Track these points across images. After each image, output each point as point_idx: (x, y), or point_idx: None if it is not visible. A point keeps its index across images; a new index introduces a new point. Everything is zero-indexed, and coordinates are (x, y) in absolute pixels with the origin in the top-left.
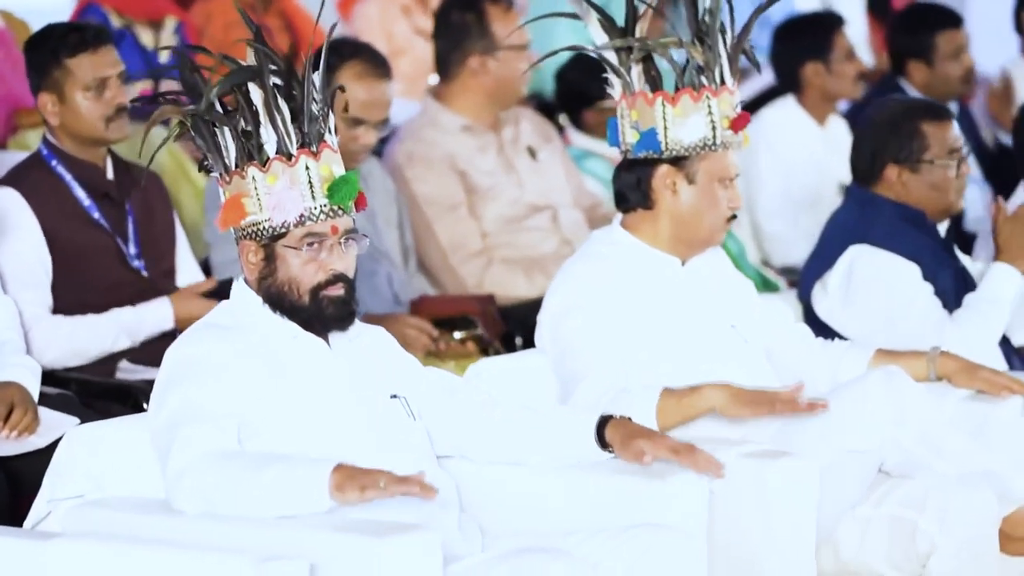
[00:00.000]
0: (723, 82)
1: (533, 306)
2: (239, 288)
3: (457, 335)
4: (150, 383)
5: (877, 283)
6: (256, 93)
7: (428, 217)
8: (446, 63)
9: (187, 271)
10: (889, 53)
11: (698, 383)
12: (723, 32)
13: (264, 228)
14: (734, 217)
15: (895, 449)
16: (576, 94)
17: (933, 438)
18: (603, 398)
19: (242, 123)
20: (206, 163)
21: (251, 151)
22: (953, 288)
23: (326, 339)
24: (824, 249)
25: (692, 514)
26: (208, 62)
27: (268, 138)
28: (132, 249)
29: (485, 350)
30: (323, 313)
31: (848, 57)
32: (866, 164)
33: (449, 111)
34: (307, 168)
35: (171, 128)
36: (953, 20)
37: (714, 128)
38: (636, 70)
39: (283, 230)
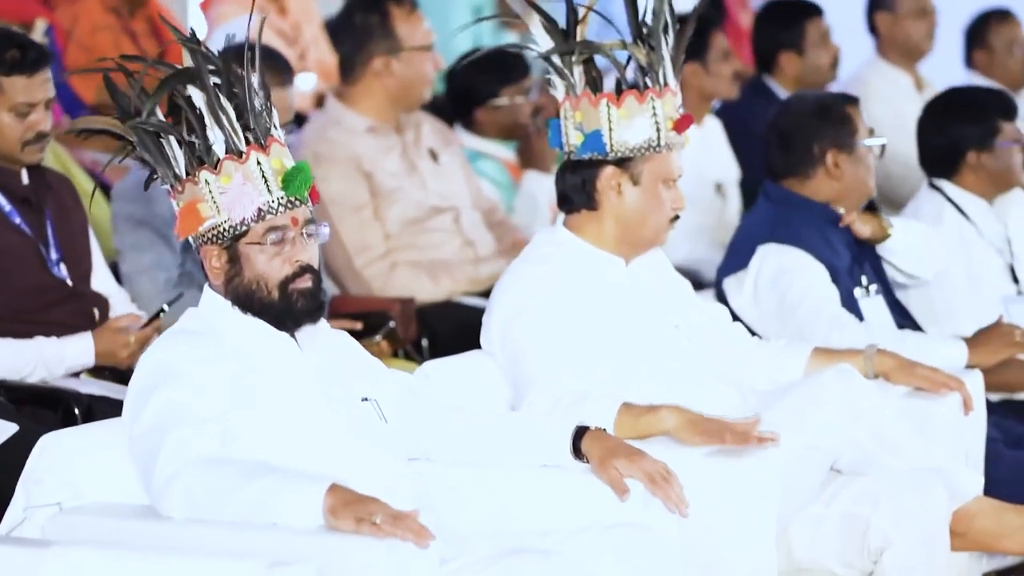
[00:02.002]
0: (666, 83)
1: (438, 308)
2: (207, 294)
3: (376, 337)
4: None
5: (781, 279)
6: (197, 95)
7: (333, 218)
8: (350, 64)
9: (100, 275)
10: (755, 51)
11: (656, 403)
12: (666, 33)
13: (224, 230)
14: (677, 218)
15: (849, 447)
16: (467, 93)
17: (886, 435)
18: (559, 403)
19: (184, 129)
20: (155, 177)
21: (200, 155)
22: (848, 267)
23: (295, 339)
24: (738, 247)
25: (666, 514)
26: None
27: (216, 139)
28: (53, 254)
29: (395, 352)
30: (293, 307)
31: (725, 57)
32: (803, 156)
33: (353, 112)
34: (258, 163)
35: (118, 149)
36: (816, 9)
37: (658, 129)
38: (578, 71)
39: (243, 228)
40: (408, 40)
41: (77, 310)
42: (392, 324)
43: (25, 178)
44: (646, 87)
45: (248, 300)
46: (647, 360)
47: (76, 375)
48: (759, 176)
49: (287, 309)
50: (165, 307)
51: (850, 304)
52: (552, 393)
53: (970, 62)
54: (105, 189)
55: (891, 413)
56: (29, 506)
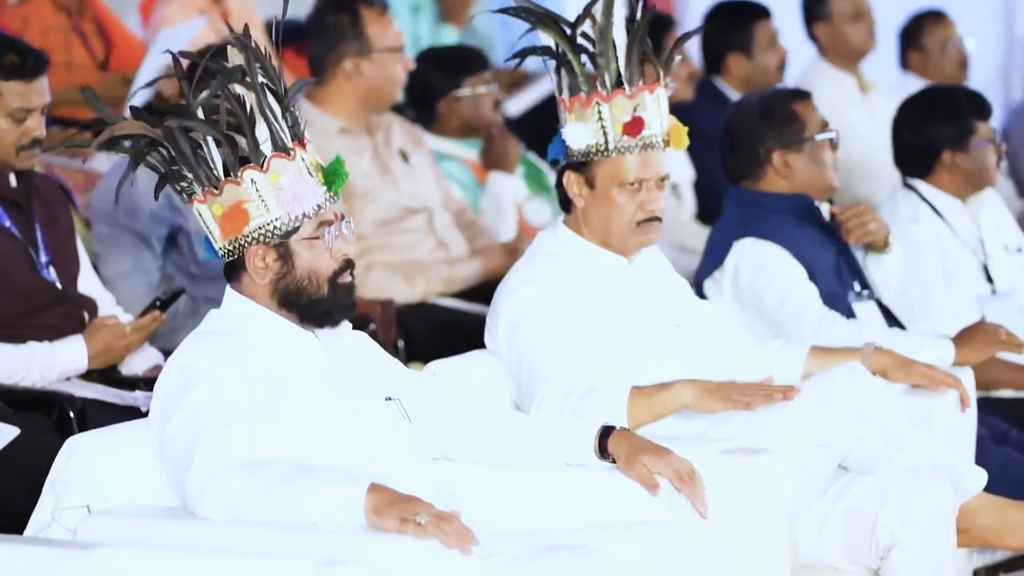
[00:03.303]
0: (618, 86)
1: (413, 310)
2: (229, 294)
3: None
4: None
5: (760, 275)
6: (246, 93)
7: None
8: (321, 65)
9: (86, 278)
10: (704, 52)
11: (666, 380)
12: (629, 34)
13: (275, 228)
14: (653, 220)
15: (857, 444)
16: (428, 88)
17: (893, 432)
18: (568, 398)
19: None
20: (183, 184)
21: (245, 155)
22: (834, 267)
23: (318, 338)
24: (712, 250)
25: (689, 511)
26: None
27: (263, 137)
28: (43, 257)
29: None
30: (339, 302)
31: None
32: (749, 160)
33: (325, 113)
34: (303, 159)
35: (136, 152)
36: (764, 11)
37: (606, 133)
38: (555, 76)
39: (296, 225)
40: (379, 41)
41: (67, 313)
42: (373, 327)
43: (13, 181)
44: (592, 91)
45: (297, 296)
46: (651, 358)
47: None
48: (712, 177)
49: (333, 304)
50: (161, 297)
51: (842, 306)
52: (563, 388)
53: (905, 63)
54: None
55: (898, 410)
56: (57, 508)
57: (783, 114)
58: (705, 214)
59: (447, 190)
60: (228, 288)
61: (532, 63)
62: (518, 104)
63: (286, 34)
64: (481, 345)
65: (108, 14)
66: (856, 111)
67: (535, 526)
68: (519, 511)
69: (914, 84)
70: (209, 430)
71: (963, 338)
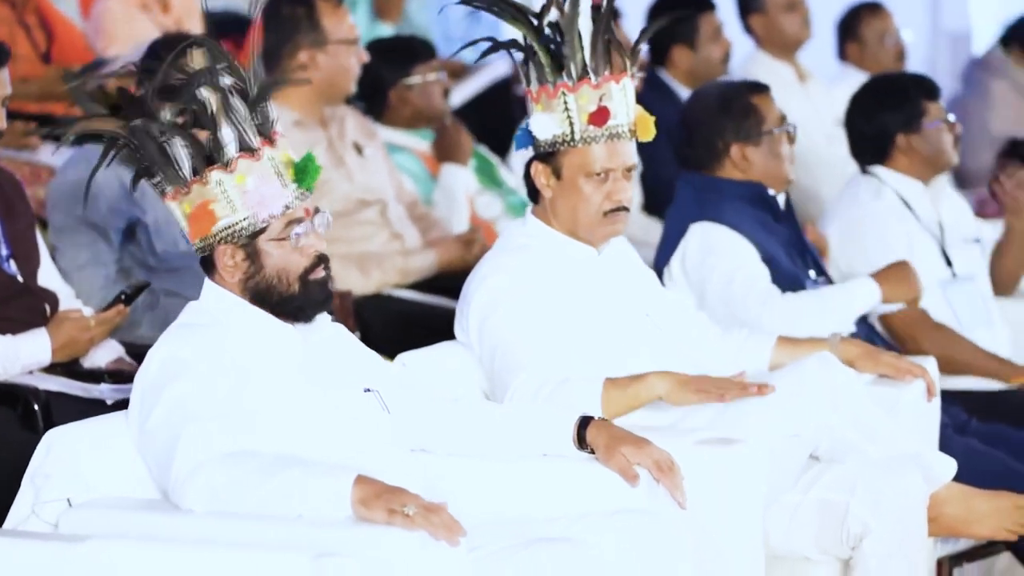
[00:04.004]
0: (584, 76)
1: (368, 301)
2: (208, 287)
3: None
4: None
5: (709, 256)
6: (211, 95)
7: None
8: (276, 57)
9: (46, 271)
10: (649, 45)
11: (638, 371)
12: (595, 24)
13: (242, 228)
14: (620, 210)
15: (828, 434)
16: (378, 79)
17: (865, 422)
18: (542, 389)
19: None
20: (156, 181)
21: (210, 155)
22: (786, 253)
23: (298, 330)
24: (667, 238)
25: (668, 502)
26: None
27: (228, 138)
28: (3, 250)
29: None
30: (312, 298)
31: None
32: (707, 152)
33: (280, 105)
34: (271, 158)
35: (105, 149)
36: (708, 3)
37: (572, 123)
38: (523, 69)
39: (264, 225)
40: (334, 33)
41: (29, 306)
42: (331, 318)
43: None
44: (558, 81)
45: (268, 294)
46: (622, 348)
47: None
48: (658, 169)
49: (306, 301)
50: (126, 291)
51: (801, 288)
52: (536, 380)
53: (843, 55)
54: None
55: (868, 400)
56: (38, 501)
57: (741, 107)
58: (651, 205)
59: (400, 182)
60: (207, 280)
61: (471, 54)
62: (460, 94)
63: (225, 25)
64: (438, 336)
65: (50, 6)
66: (795, 100)
67: (514, 516)
68: (498, 501)
69: (852, 75)
70: (191, 423)
71: (883, 275)
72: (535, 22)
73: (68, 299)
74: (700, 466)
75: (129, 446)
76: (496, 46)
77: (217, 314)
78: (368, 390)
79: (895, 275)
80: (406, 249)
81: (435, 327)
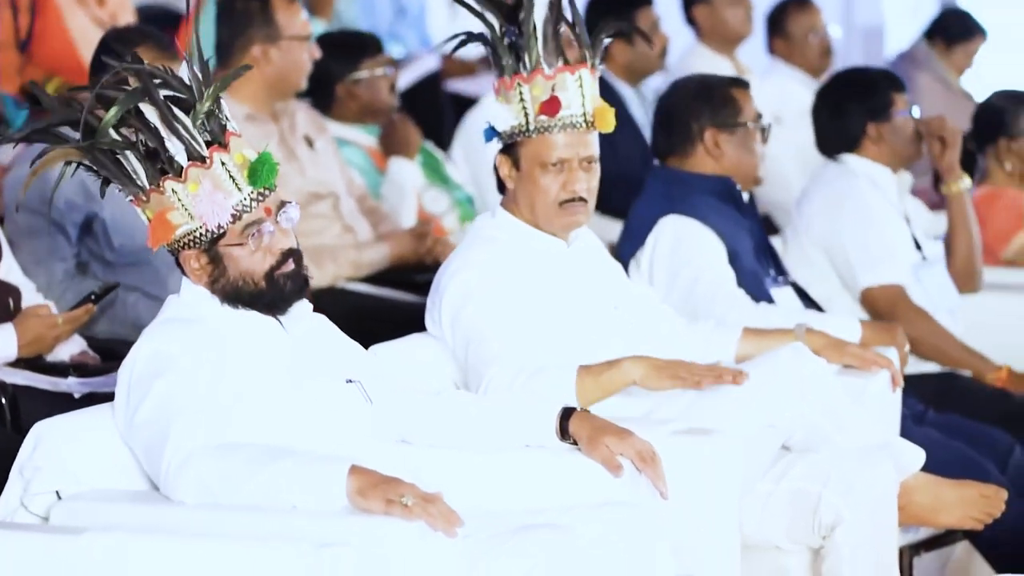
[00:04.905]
0: (537, 67)
1: (322, 295)
2: (186, 283)
3: None
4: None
5: (679, 249)
6: (150, 111)
7: None
8: (228, 51)
9: (7, 265)
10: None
11: (613, 358)
12: (553, 13)
13: (201, 235)
14: (578, 200)
15: (802, 424)
16: (326, 74)
17: (835, 412)
18: (516, 379)
19: (141, 143)
20: (120, 189)
21: (163, 166)
22: (753, 250)
23: (280, 322)
24: (633, 230)
25: (650, 492)
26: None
27: (176, 149)
28: None
29: None
30: (283, 292)
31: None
32: (681, 136)
33: (231, 100)
34: (223, 163)
35: (63, 169)
36: None
37: (526, 114)
38: (493, 61)
39: (222, 231)
40: (287, 29)
41: None
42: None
43: None
44: (515, 72)
45: (236, 294)
46: (593, 338)
47: None
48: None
49: (277, 296)
50: (96, 291)
51: (759, 289)
52: (510, 370)
53: (772, 49)
54: None
55: (839, 391)
56: (27, 494)
57: (721, 95)
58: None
59: (350, 176)
60: (183, 278)
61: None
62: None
63: (159, 19)
64: (392, 328)
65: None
66: None
67: (499, 507)
68: (480, 493)
69: (781, 70)
70: (181, 416)
71: (873, 327)
72: (494, 15)
73: (30, 293)
74: (677, 456)
75: (116, 439)
76: (469, 39)
77: (196, 308)
78: (350, 381)
79: (883, 327)
80: (359, 242)
81: (391, 320)
